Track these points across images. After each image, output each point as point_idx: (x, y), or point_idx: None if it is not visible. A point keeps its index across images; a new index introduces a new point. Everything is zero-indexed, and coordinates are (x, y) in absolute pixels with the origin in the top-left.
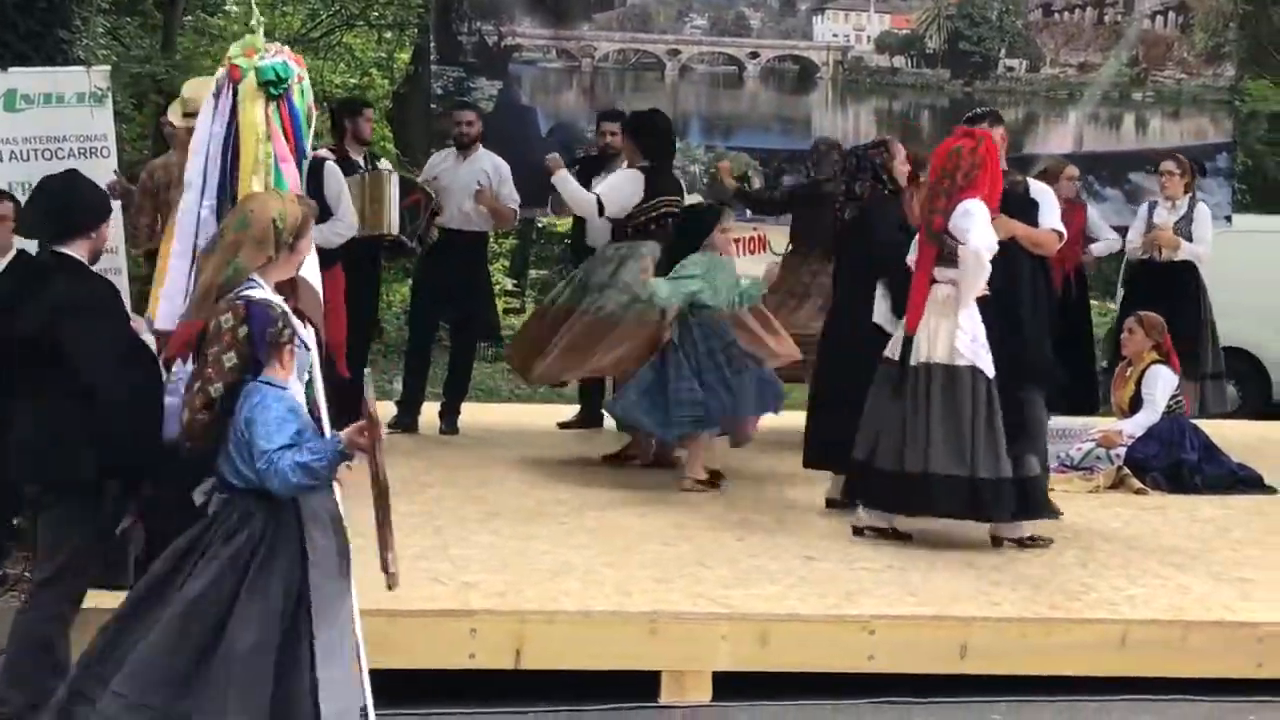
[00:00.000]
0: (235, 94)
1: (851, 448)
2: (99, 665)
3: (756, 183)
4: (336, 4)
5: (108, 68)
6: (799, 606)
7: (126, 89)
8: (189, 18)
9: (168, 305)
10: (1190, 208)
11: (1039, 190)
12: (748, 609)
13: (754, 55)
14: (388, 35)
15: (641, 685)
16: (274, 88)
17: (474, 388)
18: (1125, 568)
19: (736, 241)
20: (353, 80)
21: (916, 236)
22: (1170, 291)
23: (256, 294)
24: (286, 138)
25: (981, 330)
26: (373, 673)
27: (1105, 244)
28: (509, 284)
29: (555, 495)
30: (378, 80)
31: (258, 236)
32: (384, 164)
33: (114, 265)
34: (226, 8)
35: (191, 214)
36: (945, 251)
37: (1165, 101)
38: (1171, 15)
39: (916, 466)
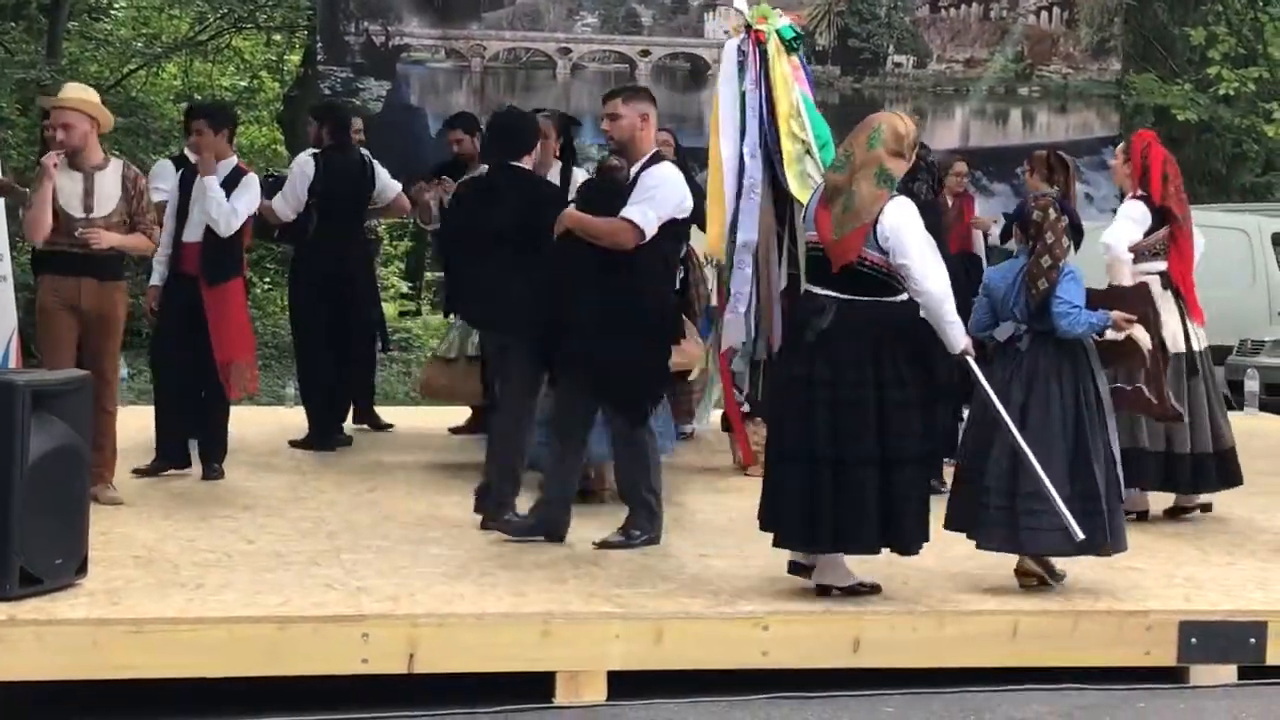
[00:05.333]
0: (762, 55)
1: None
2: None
3: None
4: (224, 6)
5: None
6: (692, 604)
7: (11, 94)
8: (74, 23)
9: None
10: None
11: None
12: (641, 608)
13: (645, 53)
14: (277, 38)
15: (536, 686)
16: (794, 43)
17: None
18: (1014, 559)
19: None
20: (243, 83)
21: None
22: None
23: None
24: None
25: None
26: (263, 681)
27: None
28: (404, 287)
29: (449, 499)
30: (268, 83)
31: (894, 150)
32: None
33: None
34: (113, 12)
35: (733, 159)
36: None
37: (1051, 96)
38: (1056, 11)
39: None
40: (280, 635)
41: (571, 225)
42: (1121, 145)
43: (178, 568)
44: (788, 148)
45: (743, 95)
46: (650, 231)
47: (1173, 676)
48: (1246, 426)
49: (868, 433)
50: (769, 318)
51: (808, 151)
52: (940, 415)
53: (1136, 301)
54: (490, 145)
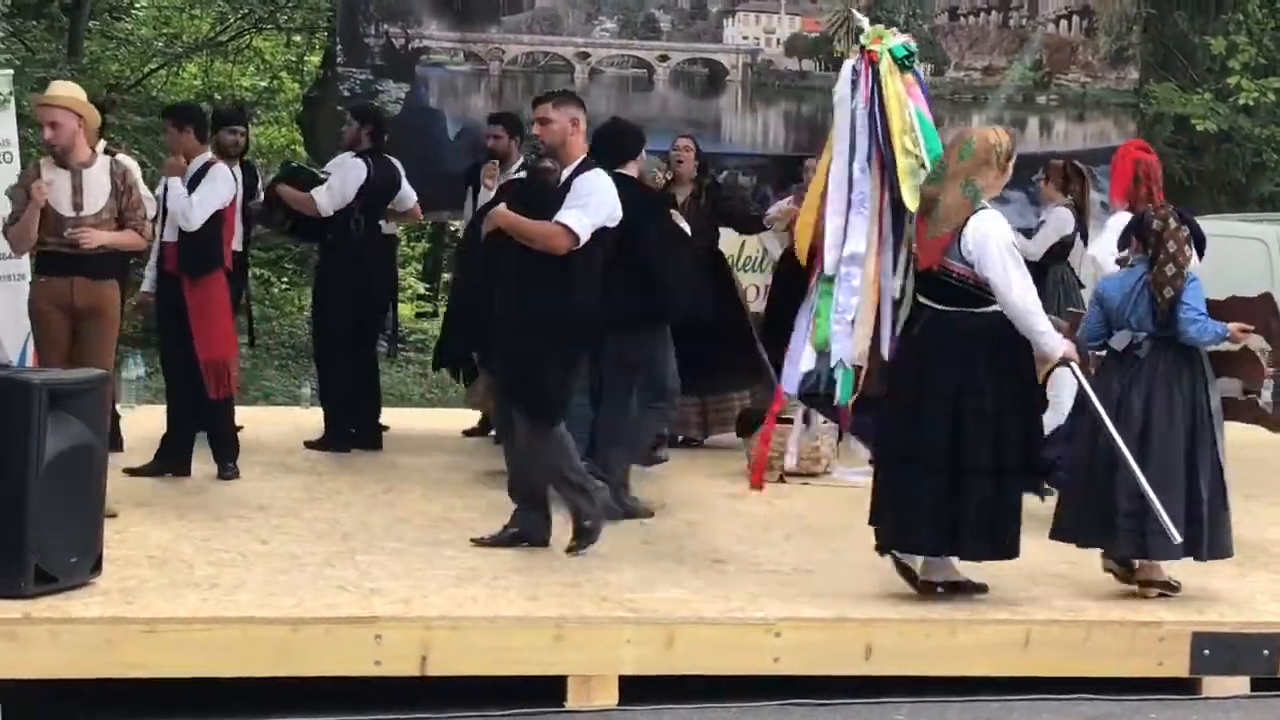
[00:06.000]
0: (874, 75)
1: None
2: None
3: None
4: (245, 7)
5: (10, 72)
6: (704, 610)
7: (33, 93)
8: (95, 22)
9: (831, 254)
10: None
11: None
12: (653, 613)
13: (663, 58)
14: (297, 39)
15: (548, 690)
16: (906, 61)
17: (386, 393)
18: (1030, 568)
19: None
20: (263, 83)
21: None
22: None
23: None
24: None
25: None
26: (276, 681)
27: None
28: (422, 288)
29: (463, 501)
30: (288, 83)
31: (982, 161)
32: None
33: (18, 271)
34: (134, 11)
35: (843, 175)
36: None
37: (1069, 105)
38: (1075, 19)
39: None
40: (293, 636)
41: (504, 225)
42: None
43: (192, 567)
44: (901, 163)
45: (853, 114)
46: (584, 238)
47: (1185, 688)
48: (1260, 439)
49: (941, 440)
50: (869, 329)
51: (922, 165)
52: (1036, 425)
53: (1260, 311)
54: (598, 152)
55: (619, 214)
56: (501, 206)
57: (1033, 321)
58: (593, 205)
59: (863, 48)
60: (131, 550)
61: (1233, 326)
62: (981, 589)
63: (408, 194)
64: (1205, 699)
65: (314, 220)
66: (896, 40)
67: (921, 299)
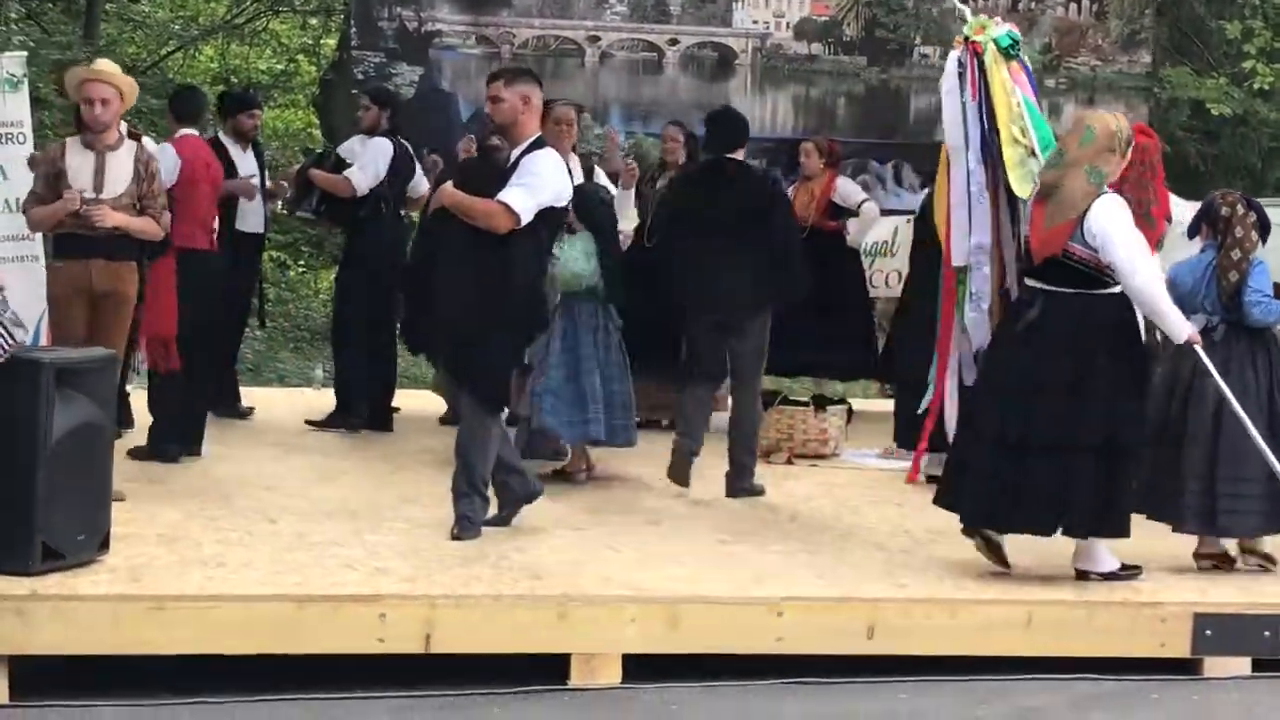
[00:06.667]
0: (979, 65)
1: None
2: None
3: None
4: None
5: (23, 54)
6: (708, 589)
7: (49, 75)
8: (112, 4)
9: (959, 245)
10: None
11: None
12: (657, 591)
13: (673, 42)
14: (313, 21)
15: (552, 668)
16: (1011, 49)
17: (399, 375)
18: (1031, 549)
19: None
20: (279, 66)
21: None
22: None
23: None
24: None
25: None
26: (281, 658)
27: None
28: None
29: None
30: (304, 66)
31: (1104, 147)
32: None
33: (31, 252)
34: None
35: (962, 169)
36: None
37: (1080, 88)
38: (1085, 2)
39: None
40: (299, 614)
41: (448, 203)
42: None
43: (199, 545)
44: (1009, 153)
45: (963, 106)
46: (526, 218)
47: (1186, 668)
48: None
49: (1057, 420)
50: (999, 314)
51: (1031, 153)
52: (1145, 407)
53: None
54: (711, 139)
55: (567, 194)
56: (448, 185)
57: (1158, 304)
58: (536, 185)
59: (966, 39)
60: (140, 529)
61: None
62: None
63: (420, 180)
64: (1206, 679)
65: (343, 203)
66: (1000, 30)
67: (1032, 282)
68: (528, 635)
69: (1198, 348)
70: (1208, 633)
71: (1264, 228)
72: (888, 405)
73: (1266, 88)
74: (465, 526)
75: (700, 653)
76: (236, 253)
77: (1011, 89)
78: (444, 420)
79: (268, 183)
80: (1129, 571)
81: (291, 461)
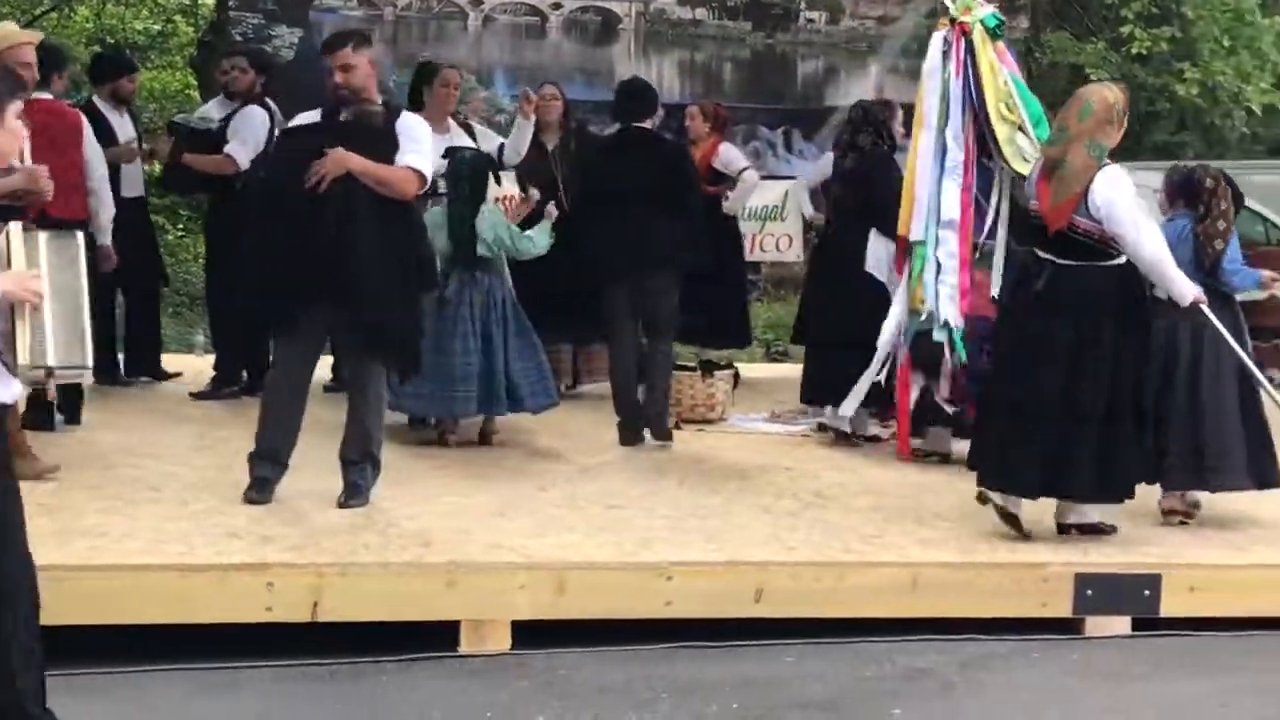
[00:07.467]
0: (966, 45)
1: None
2: None
3: None
4: None
5: None
6: (597, 554)
7: None
8: None
9: (918, 219)
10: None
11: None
12: (546, 558)
13: (556, 6)
14: None
15: (441, 635)
16: (998, 30)
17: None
18: (917, 512)
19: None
20: (155, 27)
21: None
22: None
23: None
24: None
25: None
26: (170, 628)
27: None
28: None
29: None
30: (182, 27)
31: (1103, 119)
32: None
33: None
34: None
35: (932, 143)
36: None
37: None
38: None
39: None
40: (184, 583)
41: (356, 169)
42: None
43: (81, 515)
44: (999, 130)
45: (944, 84)
46: (429, 181)
47: (1068, 628)
48: None
49: (1060, 388)
50: (962, 289)
51: (1020, 129)
52: (1145, 375)
53: None
54: (623, 109)
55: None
56: (341, 150)
57: (1164, 269)
58: (426, 149)
59: (953, 20)
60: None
61: (1265, 274)
62: (1111, 529)
63: None
64: (1087, 639)
65: (215, 177)
66: (985, 10)
67: (1041, 254)
68: (416, 603)
69: (1204, 307)
70: (1089, 593)
71: (1238, 199)
72: (774, 370)
73: (1144, 52)
74: (353, 493)
75: (590, 618)
76: (121, 218)
77: (999, 68)
78: (329, 388)
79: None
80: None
81: (174, 430)
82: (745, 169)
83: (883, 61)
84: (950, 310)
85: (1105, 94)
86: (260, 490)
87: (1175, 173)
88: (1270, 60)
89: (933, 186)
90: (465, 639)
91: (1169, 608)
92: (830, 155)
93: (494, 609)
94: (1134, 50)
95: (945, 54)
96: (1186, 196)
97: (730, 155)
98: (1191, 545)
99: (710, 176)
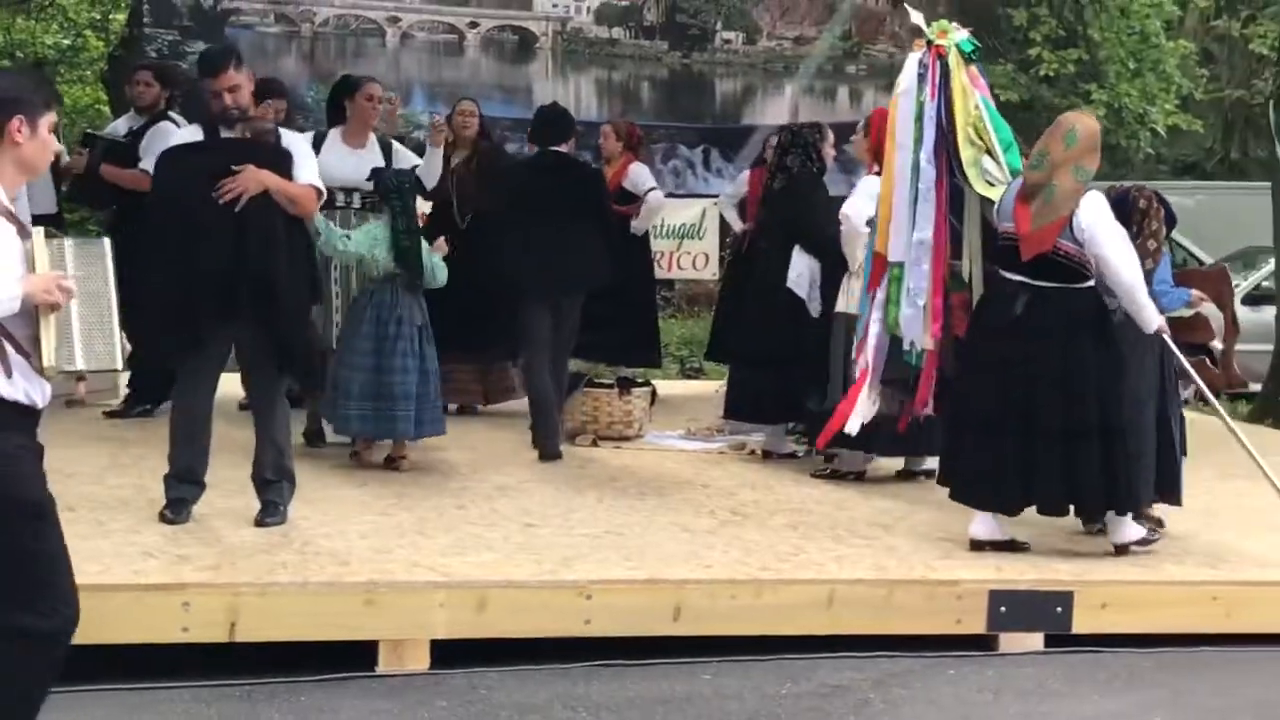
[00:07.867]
0: (941, 68)
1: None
2: None
3: None
4: None
5: None
6: (516, 573)
7: None
8: None
9: (896, 239)
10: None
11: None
12: (465, 576)
13: (474, 24)
14: None
15: (359, 655)
16: (973, 54)
17: None
18: (834, 529)
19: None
20: (65, 41)
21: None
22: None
23: None
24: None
25: None
26: (83, 649)
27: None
28: None
29: None
30: (92, 42)
31: (1088, 147)
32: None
33: None
34: None
35: (906, 165)
36: None
37: (879, 74)
38: None
39: None
40: (101, 603)
41: (273, 186)
42: (863, 122)
43: None
44: (965, 153)
45: (920, 105)
46: (323, 199)
47: (983, 644)
48: None
49: (1055, 408)
50: (934, 310)
51: (987, 152)
52: (1130, 390)
53: (1216, 281)
54: (541, 133)
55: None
56: (253, 168)
57: (1137, 295)
58: (315, 164)
59: (929, 42)
60: None
61: (1194, 293)
62: (1025, 546)
63: None
64: (1001, 655)
65: (101, 189)
66: (961, 35)
67: (1015, 277)
68: (334, 622)
69: (1165, 336)
70: (1002, 609)
71: (1170, 220)
72: (689, 386)
73: (1052, 74)
74: (271, 512)
75: (509, 637)
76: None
77: (971, 91)
78: (243, 406)
79: (64, 158)
80: (1156, 533)
81: (87, 448)
82: (651, 189)
83: (798, 82)
84: (916, 330)
85: (1088, 122)
86: (176, 511)
87: (1109, 193)
88: (1175, 82)
89: (908, 208)
90: (384, 658)
91: (1081, 625)
92: (746, 174)
93: (413, 628)
94: (1042, 72)
95: (921, 76)
96: (1120, 216)
97: (639, 175)
98: (1103, 563)
99: (619, 196)
